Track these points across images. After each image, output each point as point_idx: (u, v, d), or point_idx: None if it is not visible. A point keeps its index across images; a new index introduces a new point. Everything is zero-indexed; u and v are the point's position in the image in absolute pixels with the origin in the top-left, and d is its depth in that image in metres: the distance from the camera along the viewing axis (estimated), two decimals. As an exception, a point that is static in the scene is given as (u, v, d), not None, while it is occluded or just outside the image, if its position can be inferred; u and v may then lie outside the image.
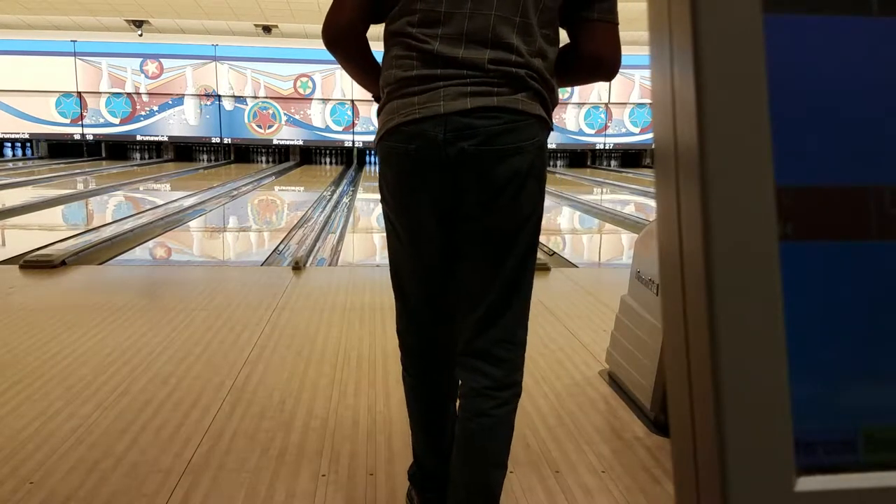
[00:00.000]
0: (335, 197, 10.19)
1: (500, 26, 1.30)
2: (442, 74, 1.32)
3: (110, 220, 7.82)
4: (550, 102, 1.40)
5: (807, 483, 0.36)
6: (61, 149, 16.92)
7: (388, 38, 1.40)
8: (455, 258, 1.46)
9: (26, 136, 16.74)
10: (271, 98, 16.88)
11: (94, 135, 16.79)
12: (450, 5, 1.30)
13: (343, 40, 1.43)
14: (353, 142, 17.14)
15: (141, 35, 15.39)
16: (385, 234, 1.57)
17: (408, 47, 1.34)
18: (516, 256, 1.42)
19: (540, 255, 6.21)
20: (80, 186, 11.93)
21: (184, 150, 17.39)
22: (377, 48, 1.43)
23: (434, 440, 1.63)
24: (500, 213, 1.38)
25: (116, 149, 17.23)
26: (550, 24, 1.36)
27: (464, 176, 1.35)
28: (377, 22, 1.44)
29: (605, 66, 1.42)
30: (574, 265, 5.47)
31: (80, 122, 16.62)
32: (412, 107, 1.33)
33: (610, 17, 1.38)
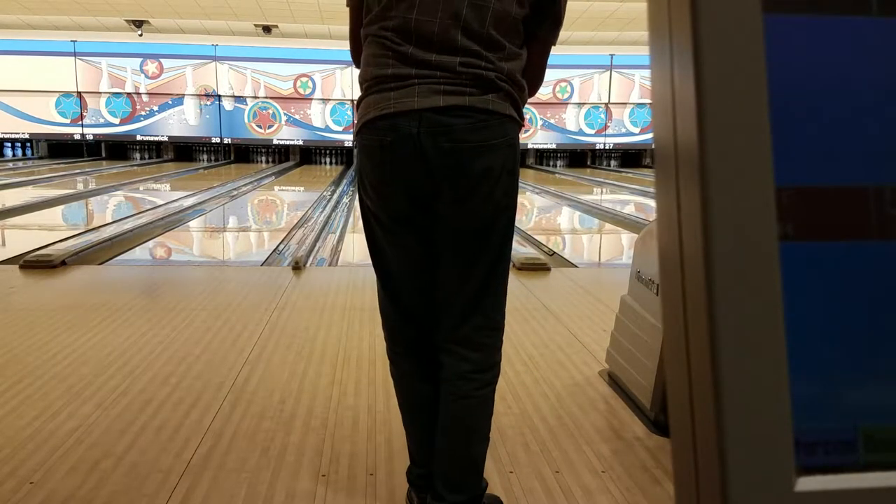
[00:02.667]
0: (335, 197, 10.19)
1: (466, 38, 1.38)
2: (416, 74, 1.40)
3: (110, 220, 7.82)
4: (520, 101, 1.48)
5: (807, 483, 0.36)
6: (61, 149, 16.92)
7: (365, 38, 1.49)
8: (436, 249, 1.53)
9: (26, 136, 16.74)
10: (271, 98, 16.88)
11: (94, 135, 16.80)
12: (421, 13, 1.39)
13: (356, 49, 1.58)
14: (353, 142, 17.13)
15: (141, 35, 15.39)
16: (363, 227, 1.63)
17: (384, 47, 1.43)
18: (494, 247, 1.50)
19: (540, 255, 6.14)
20: (80, 186, 11.93)
21: (184, 150, 17.39)
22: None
23: (426, 436, 1.65)
24: (477, 206, 1.45)
25: (116, 149, 17.24)
26: (515, 35, 1.44)
27: (440, 171, 1.42)
28: None
29: (527, 79, 1.51)
30: (574, 265, 5.47)
31: (80, 122, 16.62)
32: (388, 101, 1.41)
33: (550, 38, 1.49)
